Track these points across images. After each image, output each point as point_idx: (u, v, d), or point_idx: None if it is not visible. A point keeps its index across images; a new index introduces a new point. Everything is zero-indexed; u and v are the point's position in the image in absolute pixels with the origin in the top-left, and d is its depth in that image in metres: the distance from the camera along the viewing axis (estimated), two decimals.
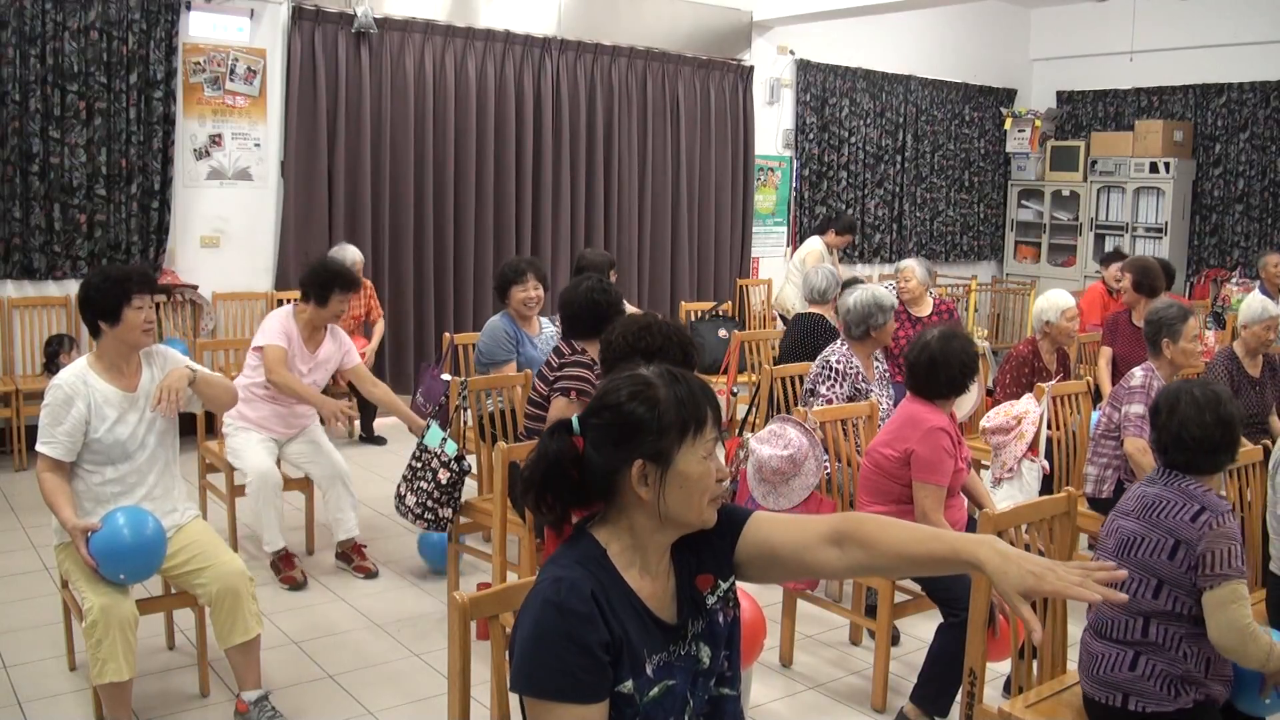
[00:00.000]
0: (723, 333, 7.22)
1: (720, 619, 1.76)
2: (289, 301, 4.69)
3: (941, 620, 3.23)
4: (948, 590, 3.18)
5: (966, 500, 3.66)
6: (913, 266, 5.82)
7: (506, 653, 1.66)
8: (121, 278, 3.12)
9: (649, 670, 1.64)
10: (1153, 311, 4.22)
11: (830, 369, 4.21)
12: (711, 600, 1.75)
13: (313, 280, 4.35)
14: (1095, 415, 4.34)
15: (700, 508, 1.67)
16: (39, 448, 3.07)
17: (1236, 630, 2.29)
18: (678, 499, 1.64)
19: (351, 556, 4.49)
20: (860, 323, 4.25)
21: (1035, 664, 2.70)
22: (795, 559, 1.74)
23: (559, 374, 3.66)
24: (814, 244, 8.11)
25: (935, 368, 3.37)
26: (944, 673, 3.16)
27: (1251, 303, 4.87)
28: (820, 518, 1.77)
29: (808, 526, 1.75)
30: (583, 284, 3.82)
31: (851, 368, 4.22)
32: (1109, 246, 10.31)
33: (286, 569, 4.32)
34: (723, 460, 1.79)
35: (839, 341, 4.35)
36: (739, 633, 1.80)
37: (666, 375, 1.69)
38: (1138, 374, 4.08)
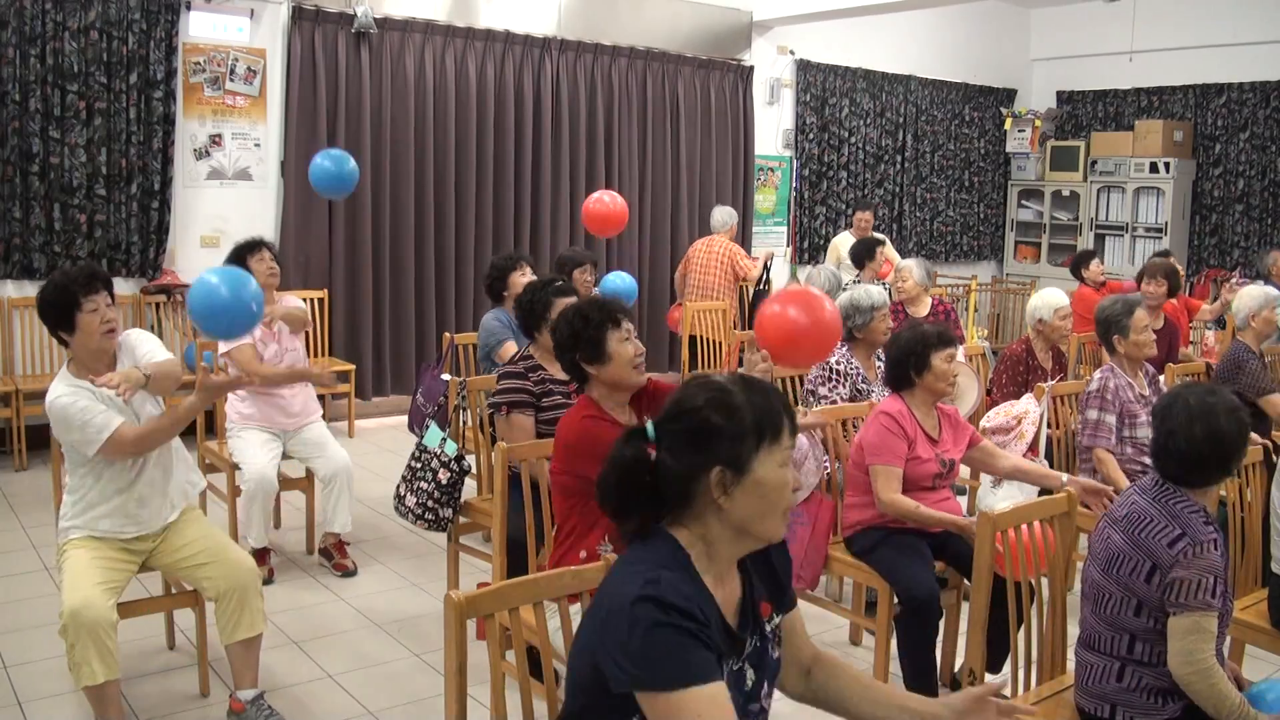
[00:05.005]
0: None
1: (770, 649, 1.76)
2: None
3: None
4: (902, 584, 3.23)
5: (967, 502, 3.67)
6: (910, 267, 5.83)
7: (576, 658, 1.63)
8: (65, 283, 3.01)
9: (724, 674, 1.62)
10: (1099, 311, 4.25)
11: (830, 370, 4.22)
12: (769, 627, 1.75)
13: (232, 262, 4.44)
14: None
15: (775, 517, 1.66)
16: (100, 445, 2.96)
17: (1191, 664, 2.23)
18: (754, 507, 1.62)
19: (332, 553, 4.50)
20: (842, 324, 4.31)
21: (1035, 664, 2.70)
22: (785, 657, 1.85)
23: (496, 388, 3.67)
24: (838, 240, 8.22)
25: (885, 360, 3.56)
26: (913, 661, 3.21)
27: (1251, 291, 5.01)
28: (811, 644, 1.92)
29: (803, 642, 1.90)
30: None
31: (852, 368, 4.23)
32: (1109, 246, 10.34)
33: (258, 564, 4.31)
34: (799, 472, 1.83)
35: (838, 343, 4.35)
36: (778, 672, 1.82)
37: (742, 382, 1.67)
38: (1095, 376, 4.12)
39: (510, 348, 4.62)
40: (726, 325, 7.26)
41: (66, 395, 2.98)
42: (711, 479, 1.60)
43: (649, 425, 1.66)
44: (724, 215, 7.58)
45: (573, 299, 3.85)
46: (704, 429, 1.61)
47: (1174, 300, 6.38)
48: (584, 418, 2.85)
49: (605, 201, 5.07)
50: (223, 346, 4.37)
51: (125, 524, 3.12)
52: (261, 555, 4.36)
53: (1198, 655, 2.24)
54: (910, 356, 3.41)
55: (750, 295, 7.47)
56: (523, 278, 4.71)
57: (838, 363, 4.23)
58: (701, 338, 7.06)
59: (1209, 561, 2.25)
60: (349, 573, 4.45)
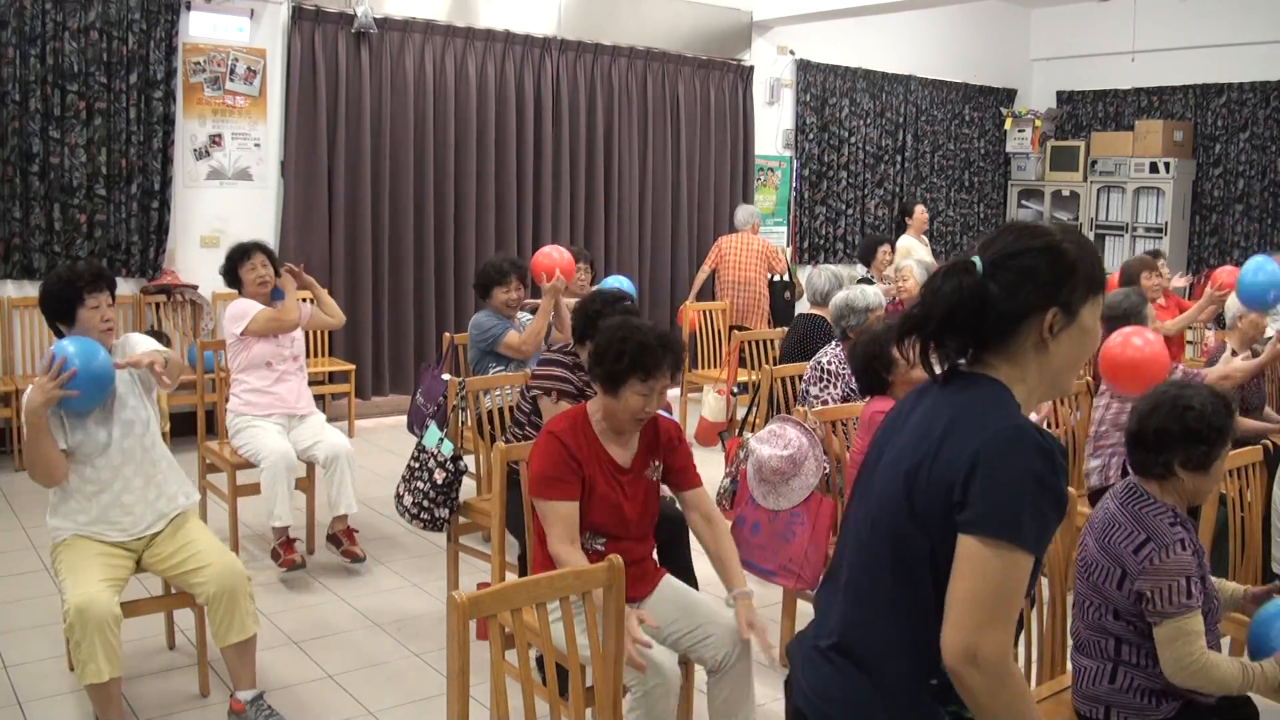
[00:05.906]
0: None
1: None
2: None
3: None
4: None
5: None
6: (911, 267, 5.83)
7: (961, 492, 1.52)
8: (72, 278, 3.08)
9: None
10: (1111, 308, 4.23)
11: (822, 370, 4.21)
12: None
13: (225, 273, 4.58)
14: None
15: (1077, 370, 1.69)
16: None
17: (1183, 667, 2.25)
18: (1072, 354, 1.64)
19: (342, 539, 4.48)
20: (836, 324, 4.38)
21: (1034, 665, 2.70)
22: None
23: (538, 372, 3.69)
24: (903, 244, 8.38)
25: (854, 374, 3.65)
26: None
27: None
28: None
29: None
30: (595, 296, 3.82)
31: (844, 369, 4.22)
32: (1109, 247, 10.34)
33: (286, 553, 4.30)
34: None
35: (833, 343, 4.36)
36: None
37: (1069, 231, 1.68)
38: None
39: (514, 336, 4.64)
40: (726, 324, 7.27)
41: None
42: (1046, 319, 1.60)
43: (976, 260, 1.63)
44: (747, 214, 7.87)
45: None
46: (1047, 269, 1.60)
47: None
48: (548, 444, 2.77)
49: (554, 257, 5.02)
50: (235, 328, 4.44)
51: (107, 529, 3.13)
52: (287, 544, 4.32)
53: (1188, 658, 2.25)
54: (872, 360, 3.44)
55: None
56: (504, 294, 4.75)
57: (829, 363, 4.22)
58: (700, 334, 7.12)
59: (1177, 563, 2.25)
60: (359, 559, 4.42)
